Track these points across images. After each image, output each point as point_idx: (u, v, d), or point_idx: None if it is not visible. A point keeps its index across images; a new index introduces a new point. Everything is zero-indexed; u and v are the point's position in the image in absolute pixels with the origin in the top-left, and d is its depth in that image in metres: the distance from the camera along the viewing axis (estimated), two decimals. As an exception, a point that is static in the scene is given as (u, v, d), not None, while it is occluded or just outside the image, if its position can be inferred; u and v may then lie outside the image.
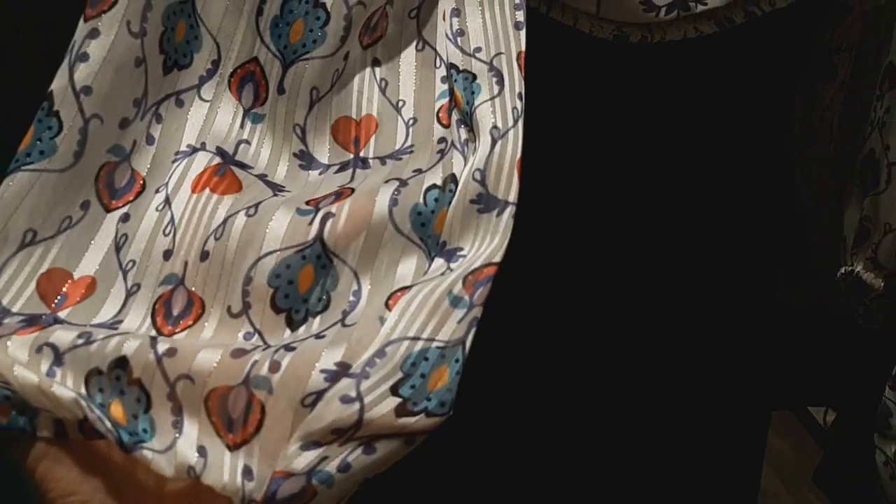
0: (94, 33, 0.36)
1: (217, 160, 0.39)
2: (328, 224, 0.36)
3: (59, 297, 0.36)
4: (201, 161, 0.39)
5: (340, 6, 0.39)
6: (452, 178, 0.37)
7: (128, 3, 0.37)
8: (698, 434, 0.63)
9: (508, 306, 0.57)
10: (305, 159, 0.40)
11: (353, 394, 0.31)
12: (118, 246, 0.37)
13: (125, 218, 0.38)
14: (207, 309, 0.36)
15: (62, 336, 0.34)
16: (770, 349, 0.67)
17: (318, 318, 0.35)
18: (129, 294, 0.37)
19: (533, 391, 0.59)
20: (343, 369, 0.32)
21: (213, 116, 0.40)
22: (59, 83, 0.36)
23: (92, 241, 0.37)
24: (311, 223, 0.36)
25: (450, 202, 0.36)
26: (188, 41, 0.40)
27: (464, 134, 0.39)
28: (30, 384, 0.32)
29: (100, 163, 0.37)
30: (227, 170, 0.38)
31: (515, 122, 0.37)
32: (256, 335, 0.35)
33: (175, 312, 0.36)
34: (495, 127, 0.37)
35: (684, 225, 0.57)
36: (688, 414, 0.62)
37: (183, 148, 0.39)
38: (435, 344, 0.33)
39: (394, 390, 0.32)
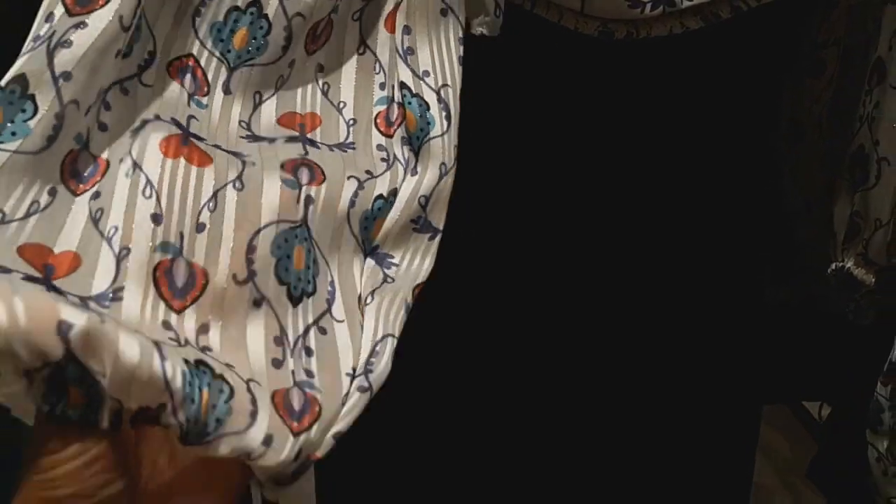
0: (81, 24, 0.36)
1: (175, 129, 0.39)
2: (310, 209, 0.38)
3: (47, 267, 0.35)
4: (160, 128, 0.38)
5: (281, 17, 0.41)
6: (394, 192, 0.41)
7: (121, 2, 0.37)
8: (691, 429, 0.63)
9: (505, 302, 0.57)
10: (252, 139, 0.42)
11: (366, 384, 0.37)
12: (95, 220, 0.36)
13: (96, 195, 0.37)
14: (211, 278, 0.36)
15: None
16: (761, 344, 0.66)
17: (309, 301, 0.38)
18: (120, 258, 0.35)
19: (528, 388, 0.59)
20: (353, 371, 0.38)
21: (158, 95, 0.41)
22: (33, 66, 0.35)
23: (66, 222, 0.36)
24: (298, 200, 0.38)
25: (388, 214, 0.41)
26: (133, 33, 0.39)
27: (407, 153, 0.43)
28: (129, 364, 0.30)
29: (67, 149, 0.37)
30: (190, 142, 0.39)
31: (455, 161, 0.43)
32: (265, 302, 0.37)
33: (179, 284, 0.36)
34: (443, 163, 0.42)
35: (673, 222, 0.56)
36: (681, 409, 0.62)
37: (136, 124, 0.39)
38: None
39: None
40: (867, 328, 0.65)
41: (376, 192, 0.41)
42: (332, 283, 0.39)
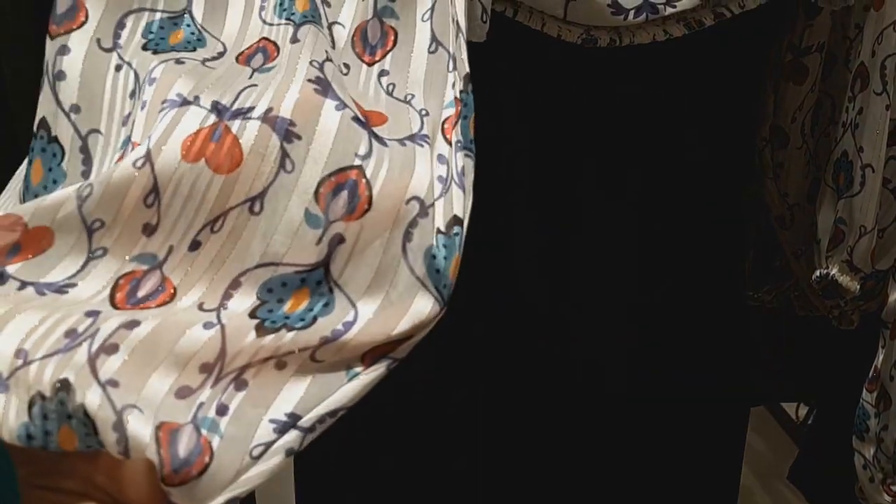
0: (64, 50, 0.35)
1: (212, 119, 0.33)
2: (337, 251, 0.33)
3: (10, 250, 0.32)
4: (193, 118, 0.33)
5: (323, 18, 0.39)
6: (456, 221, 0.34)
7: (98, 23, 0.36)
8: (678, 432, 0.62)
9: (488, 304, 0.57)
10: (322, 85, 0.35)
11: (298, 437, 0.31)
12: (81, 196, 0.33)
13: (96, 173, 0.35)
14: (178, 298, 0.32)
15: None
16: (744, 347, 0.66)
17: (291, 334, 0.32)
18: (92, 257, 0.33)
19: (514, 384, 0.59)
20: (290, 418, 0.31)
21: (213, 74, 0.36)
22: (47, 108, 0.35)
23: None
24: (318, 242, 0.33)
25: (458, 246, 0.34)
26: (188, 41, 0.38)
27: (461, 161, 0.36)
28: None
29: (112, 162, 0.35)
30: (224, 130, 0.33)
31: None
32: (217, 328, 0.31)
33: (140, 294, 0.32)
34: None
35: (656, 228, 0.56)
36: (667, 412, 0.61)
37: (172, 97, 0.34)
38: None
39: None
40: (850, 333, 0.65)
41: (436, 227, 0.34)
42: (348, 323, 0.32)
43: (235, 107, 0.34)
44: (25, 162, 0.36)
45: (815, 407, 1.06)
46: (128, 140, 0.35)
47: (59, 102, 0.35)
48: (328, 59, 0.36)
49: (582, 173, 0.54)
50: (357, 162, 0.33)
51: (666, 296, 0.58)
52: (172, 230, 0.33)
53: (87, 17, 0.36)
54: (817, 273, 0.59)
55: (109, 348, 0.29)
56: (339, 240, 0.33)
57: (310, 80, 0.35)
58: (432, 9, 0.40)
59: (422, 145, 0.36)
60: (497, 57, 0.47)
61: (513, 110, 0.52)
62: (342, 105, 0.34)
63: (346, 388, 0.32)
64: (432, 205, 0.34)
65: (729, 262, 0.63)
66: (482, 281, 0.54)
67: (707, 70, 0.54)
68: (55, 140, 0.35)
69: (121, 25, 0.37)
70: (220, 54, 0.38)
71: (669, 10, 0.48)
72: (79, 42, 0.36)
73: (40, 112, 0.35)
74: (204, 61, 0.37)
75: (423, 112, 0.38)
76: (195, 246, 0.33)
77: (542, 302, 0.56)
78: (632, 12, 0.47)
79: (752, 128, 0.61)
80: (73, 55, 0.35)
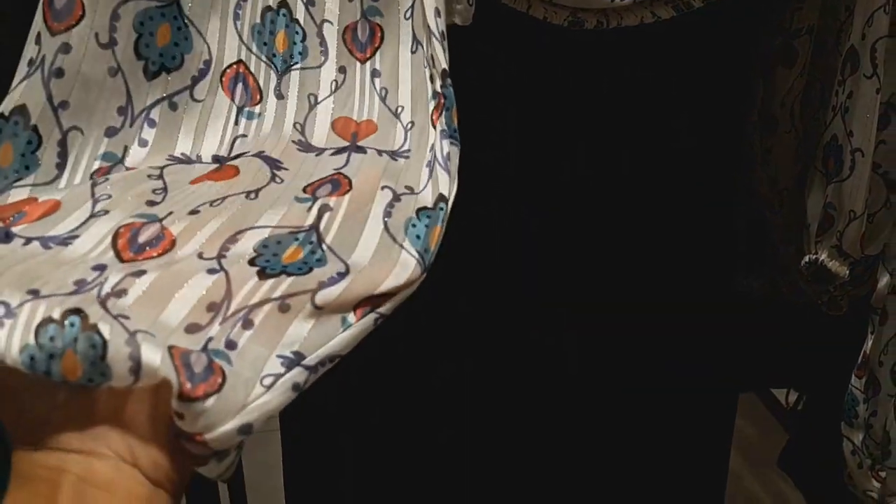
0: (65, 48, 0.37)
1: (211, 167, 0.39)
2: (325, 216, 0.36)
3: (15, 215, 0.35)
4: (199, 170, 0.39)
5: (311, 23, 0.42)
6: (441, 198, 0.38)
7: (94, 16, 0.37)
8: (667, 418, 0.62)
9: (479, 292, 0.56)
10: (303, 146, 0.41)
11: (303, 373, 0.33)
12: (94, 182, 0.37)
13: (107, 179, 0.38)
14: (179, 247, 0.34)
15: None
16: (733, 334, 0.66)
17: (291, 279, 0.34)
18: (94, 216, 0.35)
19: (503, 372, 0.59)
20: (295, 356, 0.33)
21: (206, 116, 0.41)
22: (32, 97, 0.36)
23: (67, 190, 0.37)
24: (308, 210, 0.36)
25: (442, 220, 0.38)
26: (176, 43, 0.40)
27: (446, 147, 0.40)
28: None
29: (91, 169, 0.38)
30: (224, 166, 0.39)
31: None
32: (221, 273, 0.33)
33: (141, 240, 0.34)
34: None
35: (644, 214, 0.56)
36: (656, 399, 0.61)
37: (177, 154, 0.40)
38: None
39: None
40: (840, 319, 0.65)
41: (420, 204, 0.38)
42: (341, 273, 0.35)
43: (234, 151, 0.40)
44: None
45: (804, 393, 1.06)
46: (118, 160, 0.38)
47: (49, 96, 0.36)
48: (315, 104, 0.42)
49: (570, 158, 0.54)
50: (333, 171, 0.39)
51: (656, 281, 0.58)
52: (174, 205, 0.36)
53: (84, 10, 0.37)
54: (806, 258, 0.59)
55: (119, 293, 0.31)
56: (327, 208, 0.36)
57: (293, 142, 0.41)
58: (412, 6, 0.43)
59: (396, 160, 0.40)
60: (483, 40, 0.47)
61: (500, 94, 0.52)
62: (320, 152, 0.40)
63: (343, 336, 0.34)
64: (411, 189, 0.38)
65: (718, 248, 0.62)
66: (471, 263, 0.54)
67: (696, 53, 0.54)
68: (34, 129, 0.36)
69: (115, 17, 0.38)
70: (207, 65, 0.41)
71: (657, -8, 0.48)
72: (79, 39, 0.37)
73: (19, 99, 0.36)
74: (193, 84, 0.41)
75: (410, 125, 0.42)
76: (194, 213, 0.36)
77: (531, 285, 0.56)
78: (617, -6, 0.47)
79: (742, 112, 0.60)
80: (73, 54, 0.37)
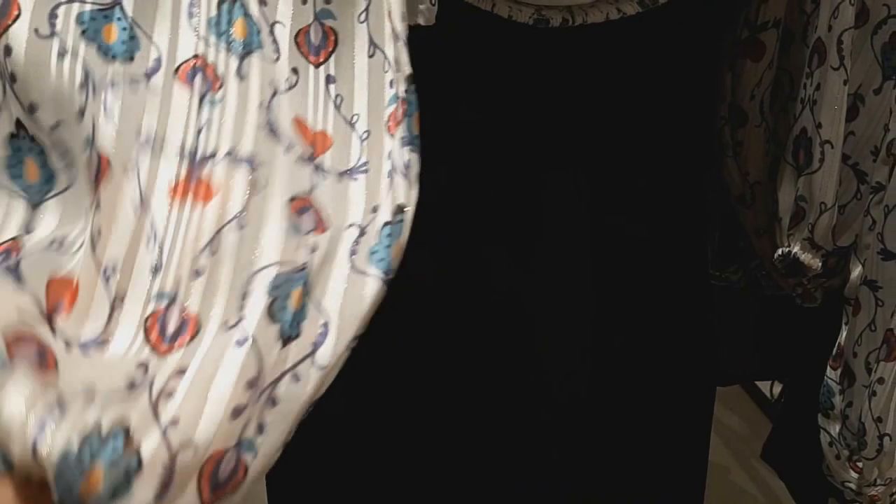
0: (7, 50, 0.36)
1: (185, 168, 0.38)
2: (313, 256, 0.38)
3: (57, 304, 0.36)
4: (168, 167, 0.38)
5: (263, 23, 0.41)
6: (400, 209, 0.39)
7: (31, 14, 0.37)
8: (646, 413, 0.62)
9: (445, 290, 0.56)
10: (271, 132, 0.40)
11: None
12: (93, 239, 0.37)
13: (97, 204, 0.37)
14: (203, 326, 0.36)
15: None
16: (710, 326, 0.66)
17: (295, 342, 0.36)
18: (114, 308, 0.36)
19: (474, 366, 0.58)
20: None
21: (168, 103, 0.40)
22: (17, 109, 0.37)
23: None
24: (299, 247, 0.38)
25: (402, 234, 0.39)
26: (123, 41, 0.39)
27: (406, 155, 0.40)
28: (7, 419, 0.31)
29: (82, 161, 0.38)
30: (198, 174, 0.38)
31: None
32: (250, 341, 0.35)
33: (170, 330, 0.36)
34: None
35: (619, 210, 0.56)
36: (634, 391, 0.61)
37: (142, 137, 0.38)
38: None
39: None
40: (819, 310, 0.65)
41: (382, 222, 0.39)
42: (325, 325, 0.37)
43: (200, 154, 0.38)
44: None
45: (785, 385, 1.07)
46: (91, 143, 0.37)
47: (20, 103, 0.37)
48: (275, 94, 0.40)
49: (539, 157, 0.53)
50: (307, 192, 0.39)
51: (631, 277, 0.58)
52: (176, 264, 0.36)
53: (19, 9, 0.37)
54: (779, 251, 0.59)
55: (168, 393, 0.33)
56: (314, 247, 0.38)
57: (260, 126, 0.40)
58: (367, 10, 0.42)
59: (356, 179, 0.41)
60: (448, 39, 0.47)
61: (465, 94, 0.51)
62: (289, 148, 0.40)
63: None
64: (375, 210, 0.39)
65: (693, 242, 0.62)
66: (440, 265, 0.54)
67: (663, 49, 0.54)
68: (34, 139, 0.37)
69: (53, 16, 0.38)
70: (157, 63, 0.40)
71: (622, -13, 0.48)
72: (17, 37, 0.36)
73: (14, 112, 0.37)
74: (149, 74, 0.39)
75: (365, 136, 0.42)
76: (200, 272, 0.36)
77: (503, 284, 0.56)
78: (581, -9, 0.47)
79: (711, 106, 0.60)
80: (15, 53, 0.36)
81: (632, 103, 0.54)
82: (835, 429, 0.64)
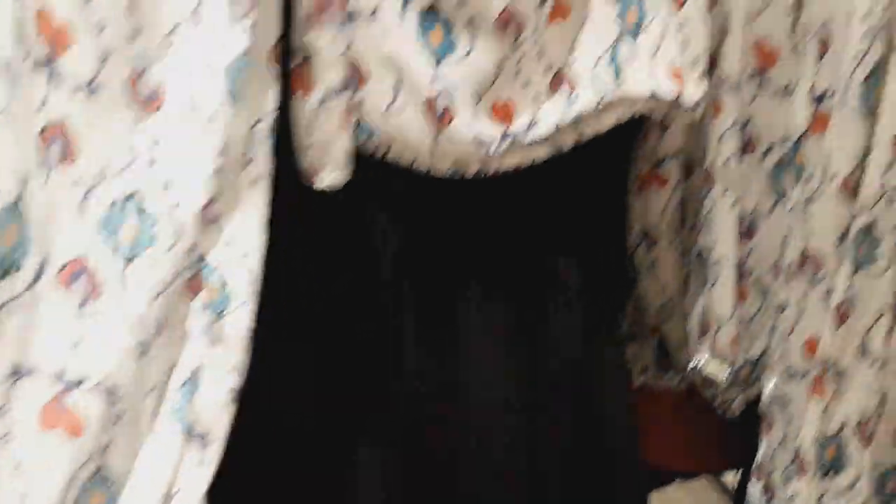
0: None
1: (56, 387, 0.39)
2: (104, 436, 0.42)
3: None
4: (39, 391, 0.39)
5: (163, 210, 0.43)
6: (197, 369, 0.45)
7: None
8: None
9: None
10: (142, 348, 0.43)
11: None
12: None
13: None
14: None
15: None
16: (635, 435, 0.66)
17: None
18: None
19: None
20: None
21: (46, 313, 0.39)
22: None
23: None
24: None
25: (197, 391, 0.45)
26: (15, 247, 0.37)
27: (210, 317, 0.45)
28: None
29: None
30: (65, 402, 0.39)
31: None
32: None
33: None
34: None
35: (539, 341, 0.58)
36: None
37: (12, 366, 0.38)
38: None
39: None
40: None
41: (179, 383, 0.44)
42: None
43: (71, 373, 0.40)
44: None
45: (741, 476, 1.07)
46: None
47: None
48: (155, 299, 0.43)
49: (458, 304, 0.55)
50: None
51: (559, 405, 0.59)
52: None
53: None
54: (691, 364, 0.63)
55: None
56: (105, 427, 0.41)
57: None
58: None
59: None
60: (366, 187, 0.49)
61: (385, 239, 0.54)
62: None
63: None
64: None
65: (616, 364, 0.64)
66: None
67: (575, 185, 0.58)
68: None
69: None
70: (42, 266, 0.39)
71: (530, 139, 0.52)
72: None
73: None
74: (27, 289, 0.38)
75: None
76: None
77: (431, 402, 0.56)
78: (493, 146, 0.50)
79: (622, 231, 0.64)
80: None
81: (545, 243, 0.58)
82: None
